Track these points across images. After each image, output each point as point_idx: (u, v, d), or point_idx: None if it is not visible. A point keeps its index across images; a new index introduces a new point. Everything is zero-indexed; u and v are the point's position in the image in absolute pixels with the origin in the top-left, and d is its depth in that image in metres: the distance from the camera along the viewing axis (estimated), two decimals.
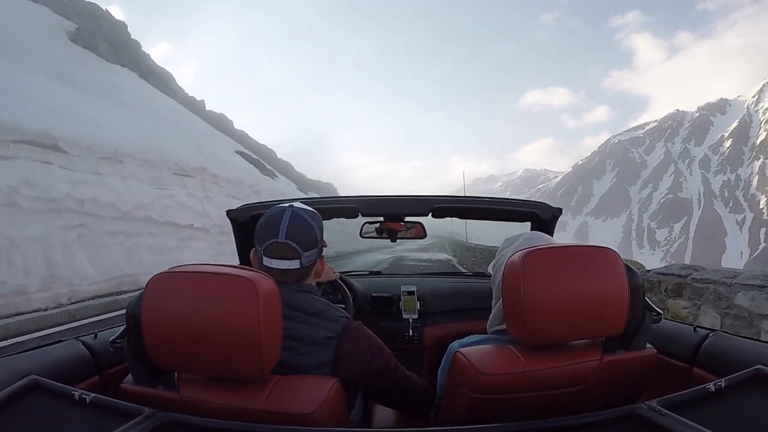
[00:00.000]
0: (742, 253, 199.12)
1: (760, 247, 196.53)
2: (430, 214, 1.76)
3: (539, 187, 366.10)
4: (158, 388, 0.89)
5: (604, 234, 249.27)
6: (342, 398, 0.94)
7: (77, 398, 0.79)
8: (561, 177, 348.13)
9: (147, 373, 0.89)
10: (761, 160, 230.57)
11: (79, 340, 1.17)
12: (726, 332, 1.15)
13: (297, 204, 1.12)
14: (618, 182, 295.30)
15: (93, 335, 1.21)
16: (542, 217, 1.68)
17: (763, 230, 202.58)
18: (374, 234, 1.91)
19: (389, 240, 1.95)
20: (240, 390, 0.86)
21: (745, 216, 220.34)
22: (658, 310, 1.02)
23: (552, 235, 1.64)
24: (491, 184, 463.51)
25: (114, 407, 0.78)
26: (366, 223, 1.92)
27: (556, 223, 1.71)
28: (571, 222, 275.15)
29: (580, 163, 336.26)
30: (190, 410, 0.84)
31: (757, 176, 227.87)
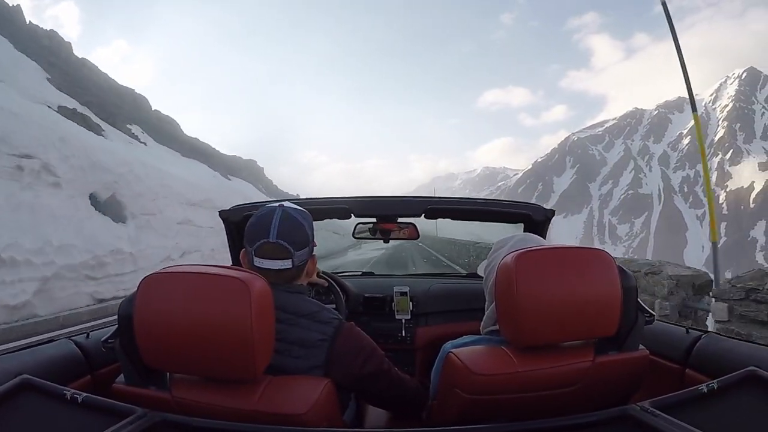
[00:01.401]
0: (703, 246, 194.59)
1: (721, 241, 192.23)
2: (423, 215, 1.76)
3: (499, 184, 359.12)
4: (150, 388, 0.88)
5: (566, 230, 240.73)
6: (334, 399, 0.94)
7: (69, 398, 0.79)
8: (521, 174, 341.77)
9: (139, 373, 0.89)
10: (719, 156, 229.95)
11: (71, 340, 1.16)
12: (718, 333, 1.16)
13: (287, 203, 1.10)
14: (578, 179, 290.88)
15: (85, 335, 1.20)
16: (535, 218, 1.69)
17: (723, 224, 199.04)
18: (367, 234, 1.91)
19: (382, 241, 1.96)
20: (232, 390, 0.86)
21: (704, 211, 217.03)
22: (651, 311, 1.01)
23: (545, 237, 1.64)
24: (450, 182, 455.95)
25: (106, 407, 0.78)
26: (359, 223, 1.91)
27: (549, 225, 1.71)
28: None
29: (539, 160, 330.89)
30: (182, 410, 0.83)
31: (715, 172, 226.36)
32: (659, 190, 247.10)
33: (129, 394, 0.87)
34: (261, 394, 0.85)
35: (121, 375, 0.92)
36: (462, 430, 0.83)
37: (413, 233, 1.90)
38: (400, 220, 1.86)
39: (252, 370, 0.84)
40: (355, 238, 1.98)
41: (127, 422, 0.73)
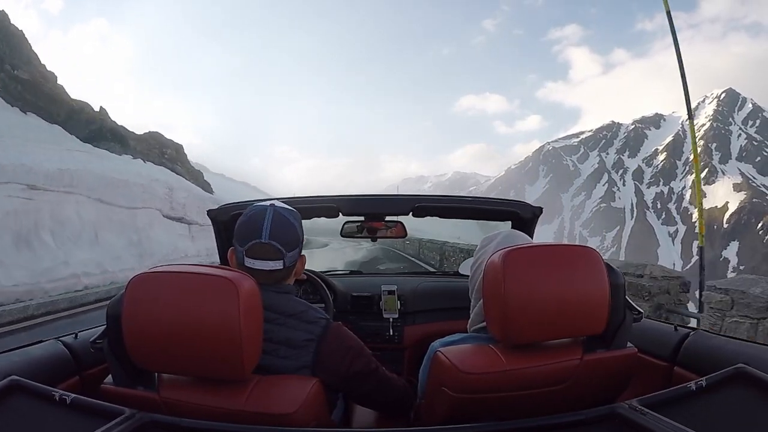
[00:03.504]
0: (674, 264, 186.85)
1: (693, 260, 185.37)
2: (411, 213, 1.76)
3: (470, 189, 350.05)
4: (139, 388, 0.88)
5: (536, 239, 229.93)
6: (323, 398, 0.94)
7: (58, 399, 0.78)
8: (493, 180, 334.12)
9: (127, 373, 0.89)
10: (694, 174, 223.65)
11: (60, 341, 1.15)
12: (707, 331, 1.16)
13: (277, 203, 1.09)
14: (551, 189, 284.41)
15: (73, 335, 1.19)
16: (523, 216, 1.69)
17: (695, 243, 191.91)
18: (355, 232, 1.90)
19: (370, 239, 1.96)
20: (221, 390, 0.86)
21: (677, 228, 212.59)
22: (639, 309, 1.01)
23: (532, 235, 1.65)
24: (420, 185, 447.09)
25: (94, 408, 0.78)
26: (346, 222, 1.91)
27: (536, 222, 1.72)
28: (501, 225, 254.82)
29: (513, 167, 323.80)
30: (170, 411, 0.83)
31: (690, 190, 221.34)
32: (632, 204, 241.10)
33: (117, 394, 0.87)
34: (249, 394, 0.85)
35: (110, 375, 0.91)
36: (450, 429, 0.82)
37: (401, 231, 1.91)
38: (387, 218, 1.86)
39: (240, 370, 0.83)
40: (342, 236, 1.95)
41: (116, 423, 0.73)
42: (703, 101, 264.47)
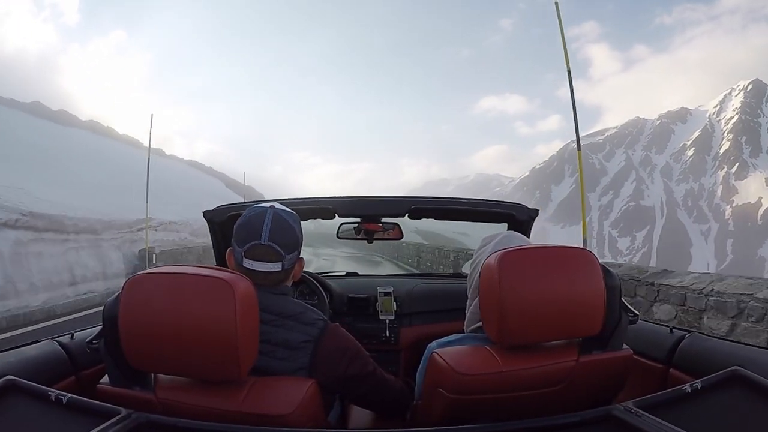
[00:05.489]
0: (708, 264, 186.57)
1: (728, 259, 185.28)
2: (407, 215, 1.76)
3: (495, 190, 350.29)
4: (135, 389, 0.88)
5: (563, 241, 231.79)
6: (319, 400, 0.94)
7: (54, 399, 0.79)
8: (518, 181, 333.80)
9: (124, 374, 0.89)
10: (725, 170, 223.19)
11: (56, 341, 1.16)
12: (702, 333, 1.16)
13: (277, 204, 1.09)
14: (577, 188, 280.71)
15: (70, 336, 1.20)
16: (519, 218, 1.69)
17: (729, 241, 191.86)
18: (352, 234, 1.91)
19: (366, 241, 1.95)
20: (217, 391, 0.86)
21: (710, 226, 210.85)
22: (635, 311, 1.01)
23: (528, 236, 1.65)
24: (443, 188, 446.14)
25: (90, 408, 0.78)
26: (343, 224, 1.92)
27: (532, 224, 1.72)
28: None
29: (538, 167, 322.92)
30: (166, 411, 0.83)
31: (721, 186, 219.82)
32: (662, 202, 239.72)
33: (113, 394, 0.88)
34: (246, 395, 0.85)
35: (106, 376, 0.92)
36: (446, 430, 0.83)
37: (397, 233, 1.91)
38: (384, 220, 1.86)
39: (236, 371, 0.84)
40: (339, 238, 1.97)
41: (112, 423, 0.73)
42: (730, 93, 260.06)
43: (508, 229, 1.66)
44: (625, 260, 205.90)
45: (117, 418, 0.74)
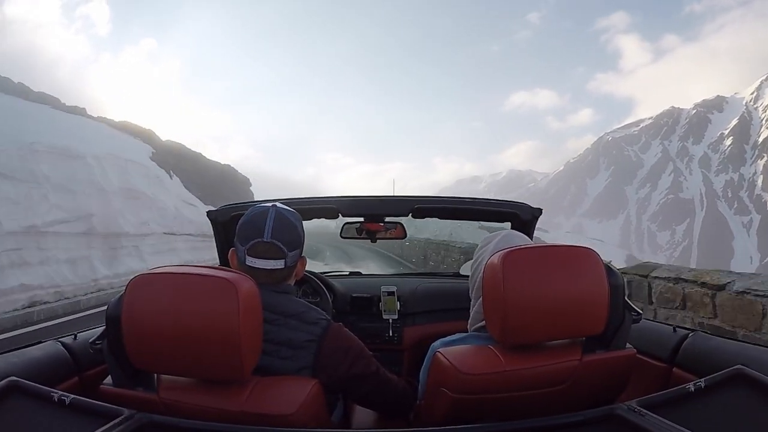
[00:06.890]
0: (751, 258, 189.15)
1: None
2: (411, 214, 1.77)
3: (529, 186, 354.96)
4: (138, 389, 0.89)
5: (601, 236, 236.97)
6: (322, 399, 0.94)
7: (57, 400, 0.79)
8: (552, 176, 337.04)
9: (126, 374, 0.89)
10: (765, 158, 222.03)
11: (59, 341, 1.16)
12: (706, 332, 1.16)
13: (279, 204, 1.11)
14: (613, 181, 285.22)
15: (72, 336, 1.20)
16: (522, 217, 1.70)
17: None
18: (354, 234, 1.91)
19: (369, 240, 1.97)
20: (220, 391, 0.86)
21: (751, 218, 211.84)
22: (638, 310, 1.01)
23: (531, 236, 1.66)
24: (475, 185, 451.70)
25: (93, 409, 0.78)
26: (346, 223, 1.92)
27: (536, 224, 1.73)
28: (564, 223, 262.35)
29: (572, 161, 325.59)
30: (169, 411, 0.84)
31: (761, 176, 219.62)
32: (701, 194, 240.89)
33: (116, 395, 0.88)
34: (249, 394, 0.86)
35: (109, 376, 0.92)
36: (449, 430, 0.82)
37: (400, 233, 1.91)
38: (387, 219, 1.87)
39: (239, 371, 0.84)
40: (342, 238, 1.97)
41: (115, 424, 0.73)
42: (766, 80, 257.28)
43: (512, 229, 1.66)
44: (665, 255, 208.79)
45: (120, 418, 0.75)
